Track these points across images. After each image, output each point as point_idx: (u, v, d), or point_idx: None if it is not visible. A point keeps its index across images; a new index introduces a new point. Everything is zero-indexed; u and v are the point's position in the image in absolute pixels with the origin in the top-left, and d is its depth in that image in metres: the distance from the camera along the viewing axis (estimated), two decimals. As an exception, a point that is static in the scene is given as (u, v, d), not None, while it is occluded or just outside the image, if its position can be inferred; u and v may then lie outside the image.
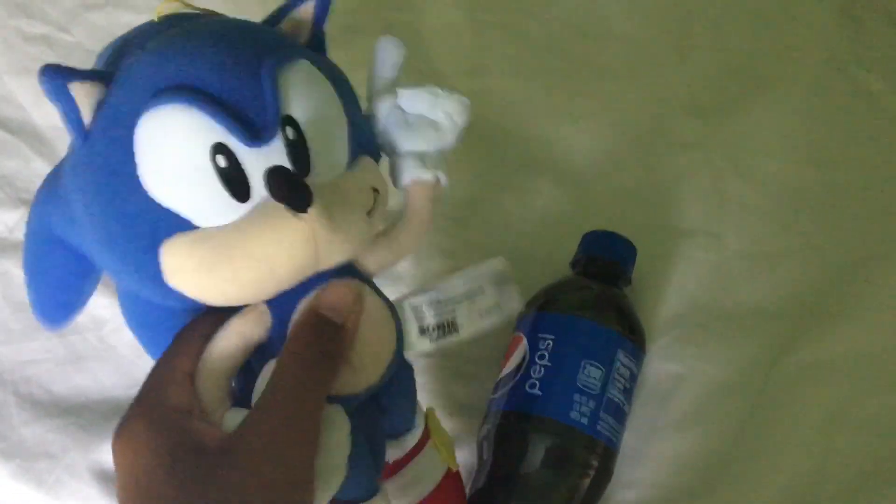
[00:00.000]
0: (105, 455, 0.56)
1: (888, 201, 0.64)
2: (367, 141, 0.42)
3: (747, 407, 0.58)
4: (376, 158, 0.43)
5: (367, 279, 0.42)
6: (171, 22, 0.40)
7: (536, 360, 0.53)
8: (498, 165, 0.66)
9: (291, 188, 0.35)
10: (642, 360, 0.56)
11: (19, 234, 0.63)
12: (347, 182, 0.39)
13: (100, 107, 0.36)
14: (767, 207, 0.64)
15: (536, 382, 0.52)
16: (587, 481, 0.51)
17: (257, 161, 0.35)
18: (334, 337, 0.37)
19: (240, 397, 0.39)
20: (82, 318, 0.58)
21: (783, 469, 0.56)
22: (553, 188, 0.65)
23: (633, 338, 0.54)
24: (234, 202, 0.35)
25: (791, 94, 0.68)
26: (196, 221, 0.35)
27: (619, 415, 0.53)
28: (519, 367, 0.54)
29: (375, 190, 0.40)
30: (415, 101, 0.43)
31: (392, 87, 0.43)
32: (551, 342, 0.53)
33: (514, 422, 0.53)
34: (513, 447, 0.52)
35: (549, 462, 0.51)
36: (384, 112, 0.43)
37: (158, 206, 0.35)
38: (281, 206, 0.35)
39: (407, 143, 0.43)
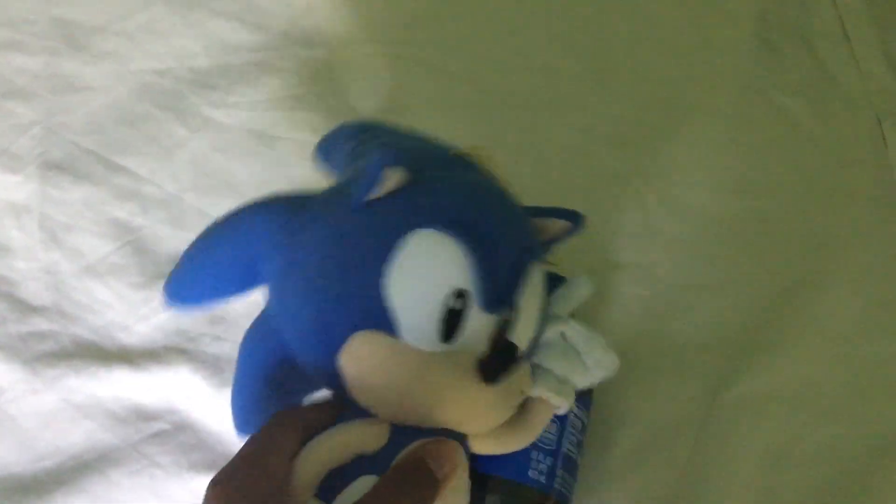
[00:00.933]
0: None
1: (814, 227, 0.63)
2: (533, 347, 0.46)
3: (688, 445, 0.56)
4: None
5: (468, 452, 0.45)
6: (464, 163, 0.45)
7: None
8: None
9: (502, 367, 0.41)
10: (591, 409, 0.54)
11: None
12: (517, 376, 0.43)
13: (390, 195, 0.40)
14: (695, 239, 0.63)
15: None
16: None
17: (476, 319, 0.40)
18: (428, 484, 0.39)
19: (318, 490, 0.40)
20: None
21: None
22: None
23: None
24: (435, 336, 0.39)
25: (712, 123, 0.67)
26: (401, 332, 0.39)
27: (573, 468, 0.52)
28: None
29: (522, 392, 0.44)
30: (579, 337, 0.48)
31: (567, 316, 0.49)
32: None
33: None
34: None
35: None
36: (552, 331, 0.48)
37: (384, 299, 0.38)
38: (469, 364, 0.40)
39: (557, 364, 0.47)
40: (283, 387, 0.44)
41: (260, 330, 0.44)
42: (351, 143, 0.52)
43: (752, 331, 0.60)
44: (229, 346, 0.57)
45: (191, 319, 0.58)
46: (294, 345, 0.42)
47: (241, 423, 0.45)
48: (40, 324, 0.58)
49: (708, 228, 0.63)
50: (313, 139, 0.64)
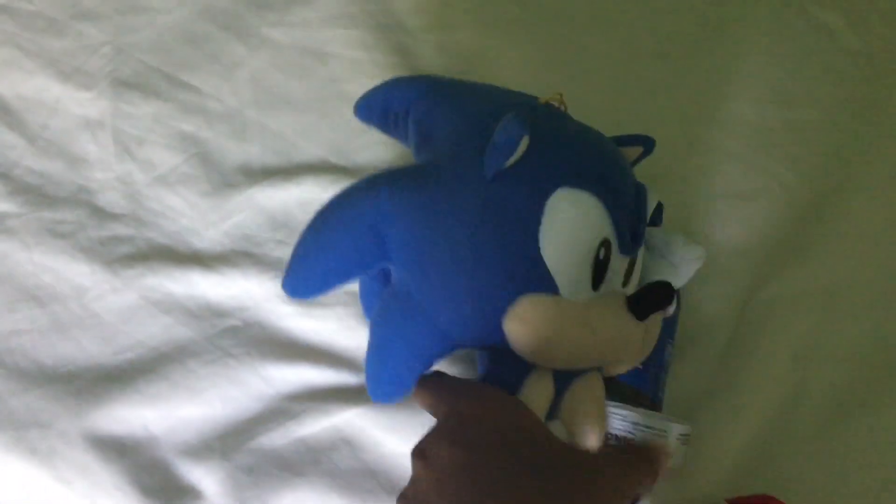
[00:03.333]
0: (98, 421, 0.56)
1: (850, 137, 0.66)
2: None
3: (723, 342, 0.59)
4: None
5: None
6: (557, 113, 0.47)
7: None
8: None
9: (653, 304, 0.44)
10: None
11: (-8, 203, 0.63)
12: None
13: (520, 160, 0.42)
14: (734, 149, 0.65)
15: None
16: None
17: (617, 263, 0.44)
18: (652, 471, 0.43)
19: None
20: (63, 287, 0.60)
21: (760, 401, 0.57)
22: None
23: None
24: (589, 285, 0.43)
25: (751, 36, 0.69)
26: (561, 289, 0.42)
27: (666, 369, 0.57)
28: None
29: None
30: (660, 240, 0.52)
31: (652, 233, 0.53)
32: None
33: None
34: None
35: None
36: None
37: (542, 263, 0.41)
38: (619, 305, 0.43)
39: (649, 273, 0.52)
40: (429, 356, 0.45)
41: (397, 309, 0.45)
42: (421, 108, 0.52)
43: (784, 236, 0.63)
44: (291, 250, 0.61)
45: (255, 226, 0.62)
46: (444, 317, 0.43)
47: (387, 393, 0.45)
48: (118, 229, 0.62)
49: (746, 138, 0.66)
50: (365, 56, 0.68)
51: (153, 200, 0.63)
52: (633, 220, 0.44)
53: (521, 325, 0.42)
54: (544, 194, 0.41)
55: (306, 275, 0.45)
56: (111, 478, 0.55)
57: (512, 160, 0.41)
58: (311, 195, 0.62)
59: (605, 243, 0.42)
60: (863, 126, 0.66)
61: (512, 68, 0.68)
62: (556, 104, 0.48)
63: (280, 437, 0.56)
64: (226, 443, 0.56)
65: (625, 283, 0.45)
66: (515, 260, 0.41)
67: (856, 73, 0.68)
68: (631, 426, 0.49)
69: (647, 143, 0.50)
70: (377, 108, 0.56)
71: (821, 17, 0.69)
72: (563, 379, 0.45)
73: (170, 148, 0.65)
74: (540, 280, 0.42)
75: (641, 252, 0.47)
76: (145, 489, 0.55)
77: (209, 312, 0.60)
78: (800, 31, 0.69)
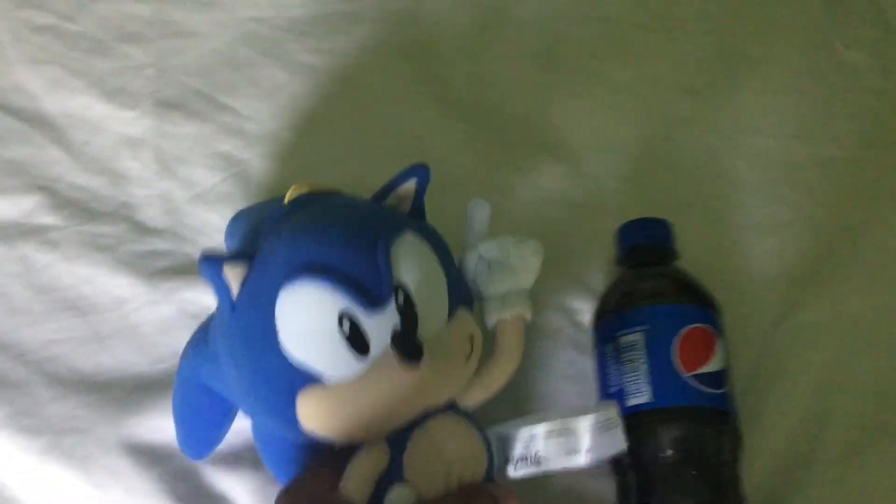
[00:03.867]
0: (134, 429, 0.57)
1: (874, 173, 0.67)
2: (461, 293, 0.49)
3: (749, 368, 0.60)
4: (470, 306, 0.51)
5: (465, 413, 0.49)
6: (299, 203, 0.48)
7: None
8: (497, 145, 0.68)
9: (408, 349, 0.43)
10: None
11: (36, 219, 0.64)
12: (449, 334, 0.47)
13: (244, 283, 0.44)
14: (759, 181, 0.67)
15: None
16: None
17: (375, 323, 0.43)
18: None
19: None
20: (103, 298, 0.61)
21: (783, 428, 0.58)
22: (552, 166, 0.67)
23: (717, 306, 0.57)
24: (354, 358, 0.43)
25: (778, 73, 0.71)
26: (325, 376, 0.43)
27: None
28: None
29: (471, 336, 0.48)
30: (491, 251, 0.51)
31: (476, 243, 0.52)
32: None
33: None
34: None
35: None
36: (472, 264, 0.52)
37: (294, 364, 0.43)
38: (395, 361, 0.43)
39: (490, 287, 0.51)
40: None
41: (261, 437, 0.51)
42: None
43: (810, 267, 0.64)
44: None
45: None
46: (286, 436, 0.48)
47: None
48: (157, 244, 0.64)
49: (771, 171, 0.67)
50: (399, 84, 0.70)
51: (192, 217, 0.65)
52: (372, 275, 0.43)
53: (310, 422, 0.44)
54: (270, 305, 0.43)
55: (192, 441, 0.53)
56: (144, 485, 0.56)
57: (235, 292, 0.45)
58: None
59: (345, 315, 0.43)
60: (886, 163, 0.67)
61: (540, 100, 0.70)
62: (311, 187, 0.50)
63: (310, 451, 0.57)
64: (256, 453, 0.57)
65: (394, 335, 0.44)
66: (274, 372, 0.44)
67: (880, 113, 0.70)
68: (538, 440, 0.47)
69: (417, 173, 0.50)
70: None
71: (848, 58, 0.71)
72: (399, 438, 0.46)
73: (209, 167, 0.67)
74: (300, 378, 0.43)
75: (426, 290, 0.46)
76: (178, 496, 0.55)
77: (244, 326, 0.61)
78: (827, 70, 0.71)
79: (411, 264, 0.45)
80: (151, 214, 0.65)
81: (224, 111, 0.69)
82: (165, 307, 0.61)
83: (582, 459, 0.47)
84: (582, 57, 0.72)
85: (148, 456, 0.57)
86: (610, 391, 0.54)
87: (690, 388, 0.51)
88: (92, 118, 0.69)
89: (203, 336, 0.50)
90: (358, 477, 0.44)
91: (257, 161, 0.67)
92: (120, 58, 0.71)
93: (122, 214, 0.65)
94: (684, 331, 0.53)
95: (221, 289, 0.45)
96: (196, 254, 0.63)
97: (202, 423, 0.52)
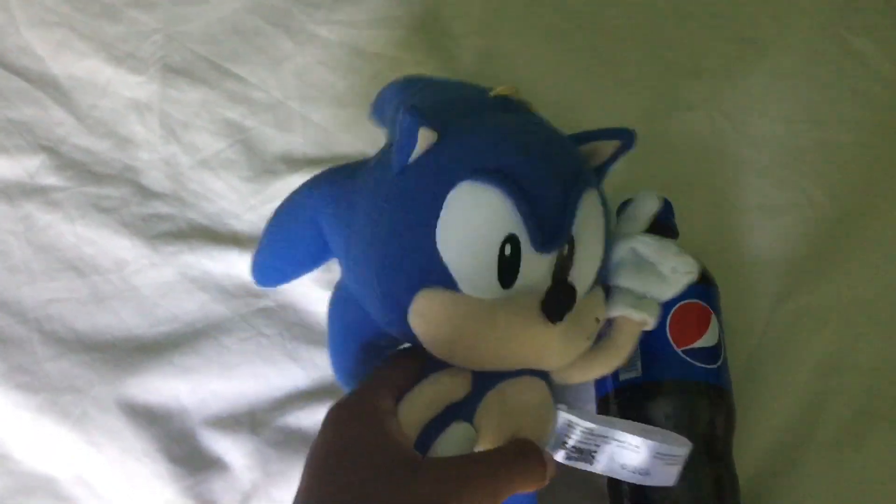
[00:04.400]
0: (131, 389, 0.57)
1: (879, 158, 0.67)
2: (603, 271, 0.47)
3: (748, 351, 0.60)
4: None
5: (551, 384, 0.46)
6: (502, 103, 0.46)
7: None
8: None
9: (558, 306, 0.41)
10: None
11: (40, 179, 0.64)
12: (586, 306, 0.44)
13: (426, 153, 0.42)
14: (765, 164, 0.67)
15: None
16: None
17: (533, 261, 0.41)
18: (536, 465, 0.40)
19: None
20: (104, 259, 0.61)
21: (782, 408, 0.58)
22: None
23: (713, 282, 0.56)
24: (496, 283, 0.41)
25: (786, 59, 0.71)
26: (461, 286, 0.41)
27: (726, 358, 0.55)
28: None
29: (597, 318, 0.45)
30: (648, 248, 0.48)
31: (636, 233, 0.49)
32: None
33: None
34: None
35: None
36: (622, 251, 0.48)
37: (439, 258, 0.41)
38: (534, 307, 0.41)
39: (631, 281, 0.48)
40: (373, 345, 0.47)
41: (340, 299, 0.49)
42: (392, 105, 0.53)
43: (811, 251, 0.64)
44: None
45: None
46: (370, 310, 0.45)
47: (346, 380, 0.49)
48: (160, 207, 0.64)
49: (777, 154, 0.67)
50: (407, 56, 0.70)
51: (195, 182, 0.65)
52: (555, 216, 0.41)
53: (420, 319, 0.42)
54: (444, 189, 0.41)
55: (267, 265, 0.50)
56: (141, 444, 0.56)
57: (415, 154, 0.42)
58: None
59: (512, 239, 0.40)
60: (891, 149, 0.67)
61: (549, 77, 0.70)
62: (509, 96, 0.48)
63: (307, 417, 0.57)
64: (254, 418, 0.57)
65: (555, 284, 0.42)
66: (413, 255, 0.41)
67: (886, 99, 0.69)
68: (581, 435, 0.43)
69: (624, 137, 0.47)
70: (378, 113, 0.58)
71: (855, 44, 0.71)
72: (486, 380, 0.43)
73: (214, 133, 0.66)
74: (438, 276, 0.41)
75: (589, 249, 0.44)
76: (173, 457, 0.55)
77: (244, 292, 0.61)
78: (834, 56, 0.71)
79: (588, 222, 0.43)
80: (155, 178, 0.65)
81: (231, 79, 0.69)
82: (166, 270, 0.61)
83: (630, 477, 0.44)
84: (593, 35, 0.72)
85: (144, 416, 0.57)
86: None
87: (683, 361, 0.51)
88: (99, 81, 0.68)
89: (345, 180, 0.46)
90: (420, 400, 0.42)
91: (263, 129, 0.67)
92: (128, 23, 0.71)
93: (126, 177, 0.65)
94: (678, 306, 0.52)
95: (406, 146, 0.42)
96: (199, 219, 0.63)
97: (289, 253, 0.50)
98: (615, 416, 0.50)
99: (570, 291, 0.42)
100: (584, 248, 0.43)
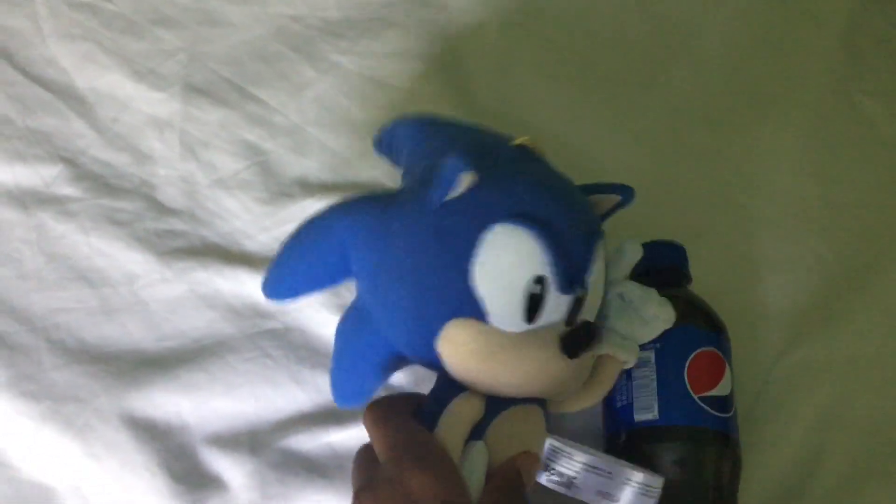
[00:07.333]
0: (135, 403, 0.57)
1: (881, 219, 0.69)
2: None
3: (746, 404, 0.60)
4: None
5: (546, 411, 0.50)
6: (524, 154, 0.50)
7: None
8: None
9: (577, 344, 0.46)
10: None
11: (56, 189, 0.65)
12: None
13: (464, 193, 0.45)
14: (772, 217, 0.68)
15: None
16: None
17: (555, 301, 0.45)
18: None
19: None
20: (115, 272, 0.62)
21: (777, 462, 0.59)
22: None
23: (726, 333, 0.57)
24: (521, 318, 0.45)
25: (797, 115, 0.72)
26: (490, 318, 0.45)
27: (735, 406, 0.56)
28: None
29: (593, 355, 0.50)
30: (634, 294, 0.52)
31: (622, 279, 0.53)
32: None
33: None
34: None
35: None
36: (610, 294, 0.52)
37: (473, 291, 0.45)
38: (553, 341, 0.46)
39: (618, 322, 0.52)
40: (382, 367, 0.50)
41: (355, 318, 0.51)
42: (411, 142, 0.57)
43: (813, 305, 0.65)
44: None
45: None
46: (391, 333, 0.48)
47: (345, 398, 0.51)
48: (174, 224, 0.64)
49: (783, 208, 0.68)
50: (425, 89, 0.71)
51: (211, 201, 0.65)
52: (578, 262, 0.46)
53: (449, 346, 0.46)
54: (481, 228, 0.44)
55: (281, 279, 0.52)
56: (141, 458, 0.56)
57: (454, 194, 0.45)
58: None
59: (541, 280, 0.45)
60: (894, 209, 0.69)
61: (561, 121, 0.71)
62: (529, 146, 0.51)
63: (308, 441, 0.57)
64: (255, 438, 0.57)
65: (570, 322, 0.47)
66: (448, 286, 0.45)
67: (891, 162, 0.71)
68: (580, 468, 0.48)
69: (623, 193, 0.52)
70: (385, 147, 0.62)
71: (864, 106, 0.73)
72: (496, 405, 0.47)
73: (232, 154, 0.67)
74: (470, 307, 0.45)
75: (595, 293, 0.49)
76: (173, 473, 0.56)
77: (253, 312, 0.61)
78: (842, 117, 0.73)
79: (597, 268, 0.48)
80: (171, 195, 0.65)
81: (251, 101, 0.70)
82: (177, 286, 0.62)
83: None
84: (611, 83, 0.73)
85: (146, 431, 0.57)
86: (618, 405, 0.54)
87: (699, 408, 0.52)
88: (121, 96, 0.69)
89: (378, 210, 0.49)
90: (462, 420, 0.46)
91: (280, 152, 0.68)
92: (153, 40, 0.72)
93: (142, 192, 0.65)
94: (695, 353, 0.53)
95: (446, 184, 0.45)
96: (212, 237, 0.64)
97: (306, 270, 0.51)
98: (625, 455, 0.51)
99: (590, 331, 0.46)
100: (594, 292, 0.48)
